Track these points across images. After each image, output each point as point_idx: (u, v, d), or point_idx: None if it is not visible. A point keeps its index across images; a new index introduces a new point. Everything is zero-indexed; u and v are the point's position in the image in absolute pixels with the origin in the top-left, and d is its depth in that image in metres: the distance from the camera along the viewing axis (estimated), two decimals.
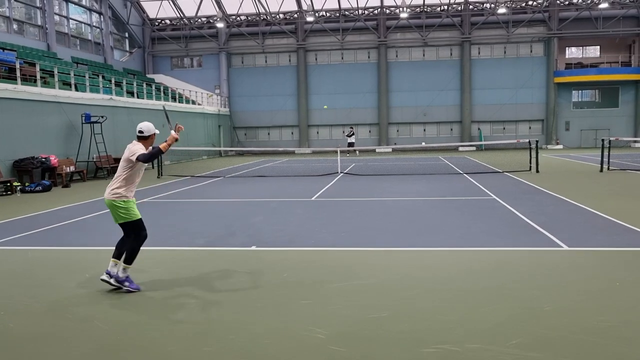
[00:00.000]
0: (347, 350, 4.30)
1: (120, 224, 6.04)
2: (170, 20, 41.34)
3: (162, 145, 6.09)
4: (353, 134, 34.81)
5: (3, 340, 4.71)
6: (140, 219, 6.07)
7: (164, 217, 11.35)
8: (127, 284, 5.98)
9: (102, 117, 21.35)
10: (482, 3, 39.29)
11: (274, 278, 6.48)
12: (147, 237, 6.14)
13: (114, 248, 6.14)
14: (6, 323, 5.13)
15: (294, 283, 6.26)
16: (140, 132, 6.15)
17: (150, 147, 6.20)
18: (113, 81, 26.93)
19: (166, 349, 4.43)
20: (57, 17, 30.71)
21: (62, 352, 4.43)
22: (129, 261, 5.98)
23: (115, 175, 6.07)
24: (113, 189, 5.96)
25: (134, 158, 5.86)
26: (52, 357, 4.36)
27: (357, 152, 34.83)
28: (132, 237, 6.03)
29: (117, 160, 22.98)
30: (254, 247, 8.15)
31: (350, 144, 33.84)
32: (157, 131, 6.32)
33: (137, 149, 5.98)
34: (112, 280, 5.95)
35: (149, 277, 6.60)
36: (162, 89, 32.71)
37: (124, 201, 5.95)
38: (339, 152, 23.45)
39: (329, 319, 5.00)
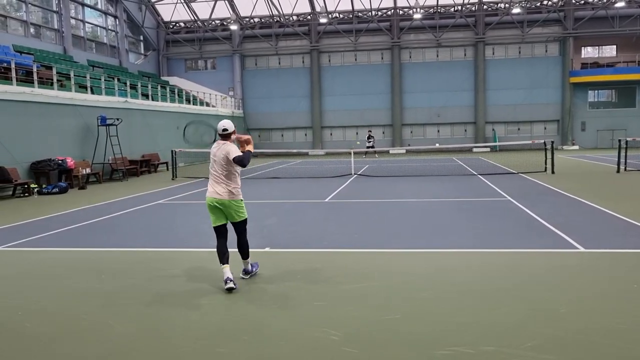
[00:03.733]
0: (361, 352, 4.29)
1: (235, 223, 6.16)
2: (185, 23, 41.63)
3: (249, 148, 6.23)
4: (371, 137, 34.59)
5: (19, 340, 4.77)
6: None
7: (179, 218, 11.42)
8: (255, 269, 6.58)
9: (118, 119, 21.55)
10: (497, 3, 39.04)
11: (288, 279, 6.49)
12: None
13: (220, 256, 6.09)
14: (22, 323, 5.19)
15: (308, 284, 6.26)
16: (225, 129, 6.09)
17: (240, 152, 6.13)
18: (128, 84, 27.16)
19: (179, 350, 4.46)
20: (73, 21, 31.07)
21: (77, 353, 4.47)
22: (248, 256, 6.39)
23: (219, 173, 6.03)
24: (232, 188, 6.03)
25: (235, 154, 5.91)
26: (67, 358, 4.40)
27: (376, 154, 34.74)
28: (243, 233, 6.24)
29: (133, 162, 23.38)
30: (267, 249, 8.17)
31: (370, 147, 33.76)
32: (234, 128, 6.26)
33: (233, 149, 6.01)
34: (234, 284, 5.97)
35: (163, 279, 6.64)
36: (176, 91, 32.92)
37: (241, 200, 6.19)
38: (352, 153, 23.42)
39: (342, 321, 4.99)
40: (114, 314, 5.37)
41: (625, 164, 19.40)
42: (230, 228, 6.26)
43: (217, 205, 6.05)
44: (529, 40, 39.09)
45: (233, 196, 6.08)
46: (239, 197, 6.14)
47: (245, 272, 6.50)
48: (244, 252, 6.35)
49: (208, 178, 6.35)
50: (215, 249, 6.18)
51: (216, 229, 6.16)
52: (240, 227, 6.25)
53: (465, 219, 10.34)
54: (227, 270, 6.02)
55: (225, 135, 6.10)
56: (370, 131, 35.89)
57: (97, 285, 6.46)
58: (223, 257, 6.09)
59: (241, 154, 6.00)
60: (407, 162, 28.38)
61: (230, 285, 5.93)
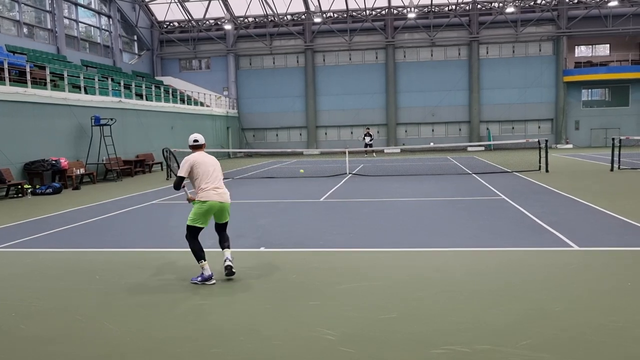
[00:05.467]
0: (357, 352, 4.30)
1: (226, 222, 6.68)
2: (179, 23, 41.53)
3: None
4: (368, 135, 34.61)
5: (14, 342, 4.74)
6: None
7: (173, 218, 11.38)
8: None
9: (112, 119, 21.47)
10: (490, 2, 39.14)
11: (283, 279, 6.49)
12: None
13: (221, 244, 6.63)
14: (17, 324, 5.17)
15: (303, 284, 6.26)
16: (196, 140, 6.73)
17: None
18: (122, 84, 27.08)
19: (174, 350, 4.44)
20: (66, 21, 30.94)
21: (73, 354, 4.45)
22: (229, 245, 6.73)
23: (219, 179, 6.59)
24: (227, 194, 6.60)
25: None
26: (62, 359, 4.38)
27: (374, 153, 34.77)
28: (225, 229, 6.72)
29: (127, 163, 23.31)
30: (262, 249, 8.16)
31: (368, 145, 33.79)
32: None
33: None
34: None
35: (158, 279, 6.63)
36: (170, 91, 32.85)
37: None
38: (347, 153, 23.43)
39: (338, 320, 4.99)
40: (109, 315, 5.35)
41: (619, 162, 19.49)
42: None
43: (221, 208, 6.51)
44: (523, 39, 39.22)
45: (229, 199, 6.65)
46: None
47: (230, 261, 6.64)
48: (227, 242, 6.69)
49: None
50: (195, 248, 6.42)
51: (200, 230, 6.51)
52: (226, 225, 6.75)
53: (460, 218, 10.36)
54: (228, 254, 6.53)
55: (199, 147, 6.69)
56: (368, 129, 35.85)
57: (91, 286, 6.44)
58: (225, 244, 6.61)
59: None
60: (401, 161, 28.42)
61: (231, 264, 6.44)
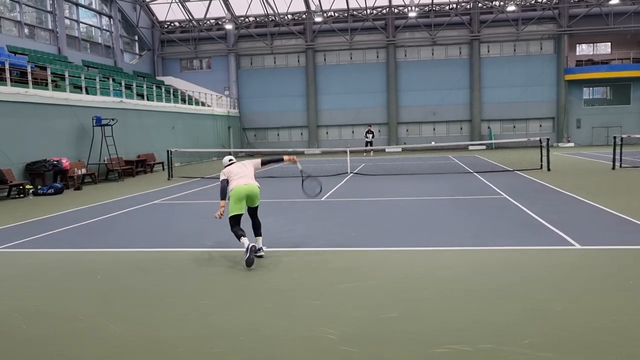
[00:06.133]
0: (358, 351, 4.29)
1: (257, 206, 7.72)
2: (179, 23, 41.53)
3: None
4: (370, 132, 34.57)
5: (16, 342, 4.75)
6: None
7: (174, 218, 11.39)
8: (264, 247, 7.82)
9: (113, 119, 21.48)
10: (491, 1, 39.10)
11: (284, 279, 6.49)
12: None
13: (254, 230, 7.65)
14: (19, 325, 5.17)
15: (304, 284, 6.26)
16: (231, 160, 8.08)
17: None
18: (123, 84, 27.08)
19: (176, 350, 4.45)
20: (67, 21, 30.96)
21: (75, 354, 4.46)
22: (261, 233, 7.80)
23: (250, 175, 7.70)
24: (256, 182, 7.65)
25: (258, 165, 8.10)
26: (64, 359, 4.38)
27: (372, 152, 34.74)
28: (256, 214, 7.78)
29: (128, 163, 23.32)
30: (264, 248, 8.15)
31: (368, 143, 33.75)
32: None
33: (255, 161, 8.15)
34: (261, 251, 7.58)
35: (159, 279, 6.63)
36: (171, 91, 32.86)
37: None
38: (348, 152, 23.42)
39: (339, 320, 4.99)
40: (111, 315, 5.35)
41: (621, 160, 19.46)
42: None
43: (252, 192, 7.54)
44: (524, 38, 39.16)
45: (258, 185, 7.72)
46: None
47: (260, 249, 7.57)
48: (259, 229, 7.77)
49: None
50: (235, 231, 7.42)
51: (238, 217, 7.49)
52: (257, 209, 7.79)
53: (462, 217, 10.35)
54: (260, 241, 7.68)
55: (233, 163, 7.99)
56: (370, 126, 35.75)
57: (93, 286, 6.44)
58: (257, 231, 7.76)
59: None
60: (403, 160, 28.41)
61: (261, 253, 7.55)
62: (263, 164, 8.22)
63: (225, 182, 7.59)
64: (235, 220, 7.44)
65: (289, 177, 20.49)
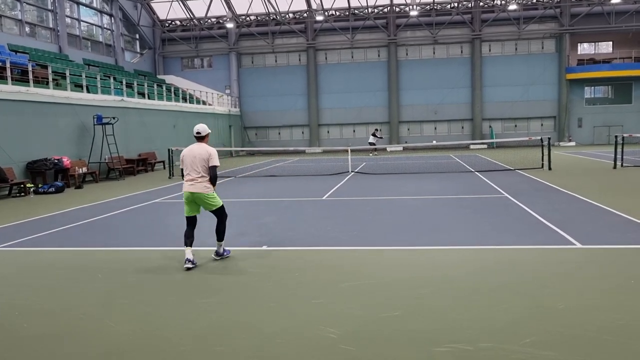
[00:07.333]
0: (359, 350, 4.29)
1: (212, 211, 7.17)
2: (181, 21, 41.53)
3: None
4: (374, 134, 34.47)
5: (18, 340, 4.74)
6: (223, 204, 7.28)
7: (175, 217, 11.39)
8: (225, 253, 7.45)
9: (114, 118, 21.49)
10: None
11: (285, 277, 6.48)
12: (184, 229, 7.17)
13: (186, 239, 7.00)
14: (20, 323, 5.17)
15: (305, 282, 6.26)
16: (198, 132, 7.16)
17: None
18: (124, 83, 27.09)
19: (178, 349, 4.44)
20: (68, 20, 30.96)
21: (76, 352, 4.45)
22: (222, 238, 7.31)
23: (198, 172, 6.97)
24: (205, 185, 6.96)
25: (214, 164, 7.00)
26: (66, 357, 4.38)
27: (372, 153, 34.56)
28: (220, 219, 7.21)
29: (129, 161, 23.32)
30: (265, 247, 8.15)
31: (371, 144, 33.65)
32: (209, 130, 7.35)
33: (214, 153, 7.05)
34: (195, 264, 6.97)
35: (160, 278, 6.63)
36: (172, 90, 32.85)
37: (213, 192, 7.11)
38: (349, 151, 23.41)
39: (340, 319, 4.98)
40: (112, 313, 5.35)
41: (622, 160, 19.44)
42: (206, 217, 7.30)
43: (193, 198, 7.00)
44: (526, 37, 39.12)
45: (205, 190, 6.99)
46: (211, 191, 7.05)
47: (193, 262, 6.98)
48: (219, 233, 7.28)
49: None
50: (185, 234, 7.05)
51: (188, 218, 7.11)
52: (217, 214, 7.20)
53: (463, 216, 10.35)
54: (189, 253, 6.95)
55: (200, 138, 7.15)
56: (376, 129, 35.25)
57: (94, 284, 6.44)
58: (189, 241, 7.01)
59: (218, 165, 7.07)
60: (404, 159, 28.39)
61: (189, 265, 6.87)
62: (211, 178, 7.05)
63: (181, 171, 7.12)
64: (187, 222, 7.10)
65: (289, 176, 20.49)
